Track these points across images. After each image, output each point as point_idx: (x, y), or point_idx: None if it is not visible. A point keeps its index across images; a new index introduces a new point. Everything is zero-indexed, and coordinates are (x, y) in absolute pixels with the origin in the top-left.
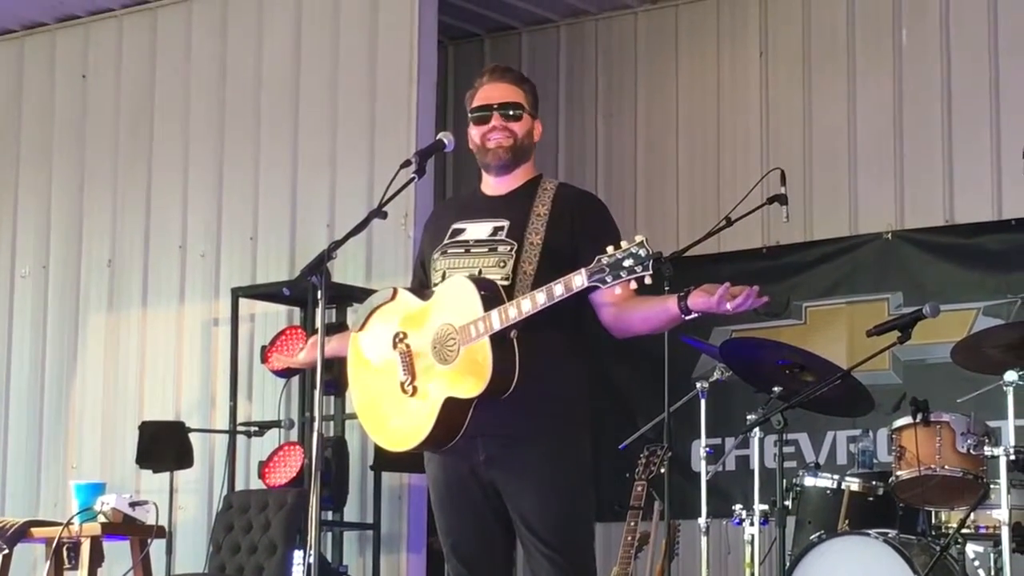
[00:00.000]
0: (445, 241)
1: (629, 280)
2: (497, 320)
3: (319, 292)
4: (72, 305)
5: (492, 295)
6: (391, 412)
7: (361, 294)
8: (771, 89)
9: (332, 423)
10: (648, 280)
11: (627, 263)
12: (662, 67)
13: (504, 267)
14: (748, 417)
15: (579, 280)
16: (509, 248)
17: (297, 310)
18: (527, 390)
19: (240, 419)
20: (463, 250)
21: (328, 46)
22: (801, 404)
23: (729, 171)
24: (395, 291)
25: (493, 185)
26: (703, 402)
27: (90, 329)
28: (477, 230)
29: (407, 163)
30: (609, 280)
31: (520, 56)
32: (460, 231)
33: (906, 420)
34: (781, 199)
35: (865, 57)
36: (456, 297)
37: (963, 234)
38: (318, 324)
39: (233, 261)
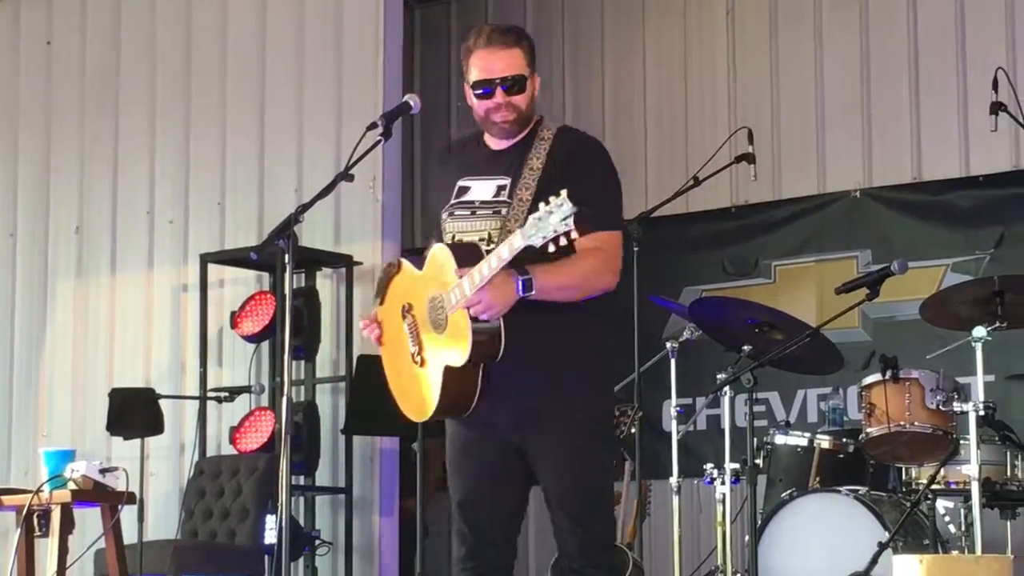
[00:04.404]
0: (452, 201)
1: (557, 238)
2: (468, 286)
3: (287, 256)
4: (40, 273)
5: (469, 261)
6: (409, 384)
7: (329, 257)
8: (738, 48)
9: (302, 388)
10: (574, 235)
11: (553, 220)
12: (629, 26)
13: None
14: (718, 376)
15: (518, 240)
16: (509, 211)
17: (266, 275)
18: (544, 353)
19: (210, 385)
20: (469, 212)
21: (294, 10)
22: (771, 362)
23: (697, 130)
24: (399, 262)
25: (495, 138)
26: (673, 362)
27: (59, 296)
28: (481, 189)
29: (373, 125)
30: (539, 240)
31: (486, 19)
32: (465, 189)
33: (875, 377)
34: (749, 158)
35: (832, 15)
36: (439, 265)
37: (931, 191)
38: (286, 289)
39: (201, 227)
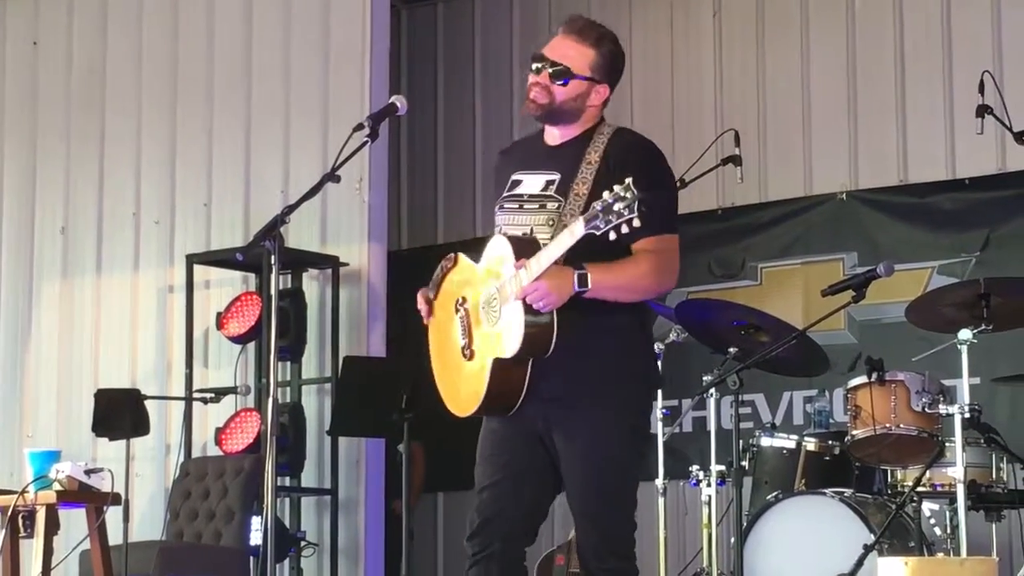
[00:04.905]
0: (504, 194)
1: (620, 224)
2: (526, 277)
3: (273, 257)
4: (26, 273)
5: (528, 254)
6: (457, 378)
7: (315, 259)
8: (725, 50)
9: (288, 389)
10: (636, 223)
11: (617, 207)
12: (616, 29)
13: (553, 226)
14: (704, 378)
15: (579, 228)
16: (557, 205)
17: (252, 276)
18: (582, 351)
19: (196, 386)
20: (517, 206)
21: (280, 11)
22: (757, 365)
23: (683, 132)
24: (456, 257)
25: (552, 133)
26: (659, 363)
27: (44, 297)
28: (531, 183)
29: (360, 126)
30: (602, 226)
31: (473, 21)
32: (517, 183)
33: (861, 379)
34: (735, 160)
35: (819, 17)
36: (497, 257)
37: (917, 194)
38: (272, 290)
39: (187, 228)
